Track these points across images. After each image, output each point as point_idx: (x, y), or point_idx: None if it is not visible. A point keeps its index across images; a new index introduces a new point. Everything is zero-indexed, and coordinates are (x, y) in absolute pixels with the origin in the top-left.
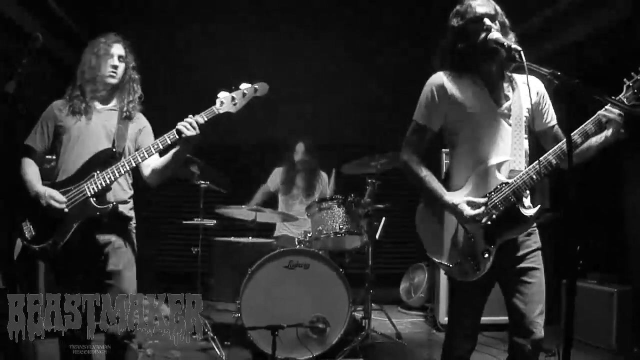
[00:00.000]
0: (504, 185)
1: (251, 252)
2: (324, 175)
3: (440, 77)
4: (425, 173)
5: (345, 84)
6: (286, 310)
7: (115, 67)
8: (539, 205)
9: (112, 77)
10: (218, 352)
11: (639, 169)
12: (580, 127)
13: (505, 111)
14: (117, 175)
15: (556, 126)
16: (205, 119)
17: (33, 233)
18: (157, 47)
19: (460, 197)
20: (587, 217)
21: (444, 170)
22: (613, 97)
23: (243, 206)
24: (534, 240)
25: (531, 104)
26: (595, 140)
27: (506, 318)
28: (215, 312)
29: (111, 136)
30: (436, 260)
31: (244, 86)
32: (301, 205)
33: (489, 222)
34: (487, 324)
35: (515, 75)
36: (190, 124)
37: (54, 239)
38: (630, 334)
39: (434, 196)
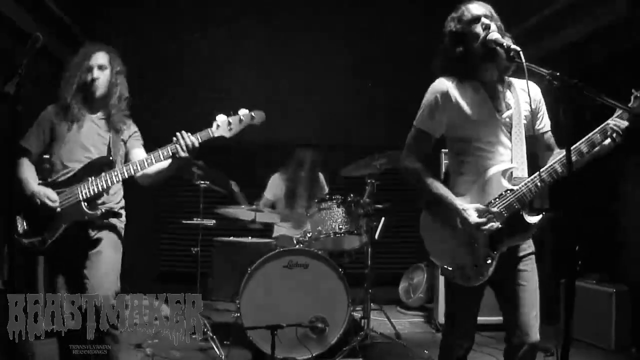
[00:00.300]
0: (508, 192)
1: (251, 252)
2: (321, 176)
3: (444, 84)
4: (431, 180)
5: (346, 84)
6: (285, 310)
7: (95, 78)
8: (543, 213)
9: (96, 87)
10: (218, 352)
11: (636, 169)
12: (587, 136)
13: (507, 119)
14: (109, 183)
15: (549, 133)
16: (200, 141)
17: (25, 228)
18: (157, 47)
19: (467, 203)
20: (585, 217)
21: (443, 170)
22: (612, 100)
23: (243, 206)
24: (529, 244)
25: (530, 110)
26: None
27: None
28: (215, 312)
29: (101, 143)
30: (440, 265)
31: (242, 112)
32: (302, 210)
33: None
34: (485, 323)
35: (514, 80)
36: (187, 145)
37: (43, 236)
38: (629, 333)
39: (444, 202)
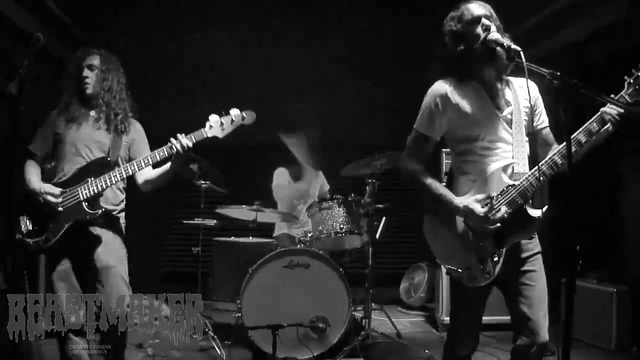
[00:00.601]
0: (510, 187)
1: (251, 252)
2: (320, 173)
3: (443, 87)
4: (430, 180)
5: (346, 84)
6: (286, 310)
7: (84, 77)
8: (545, 206)
9: (86, 87)
10: (218, 352)
11: (637, 169)
12: (584, 125)
13: (508, 116)
14: (109, 183)
15: (547, 128)
16: (194, 141)
17: (29, 228)
18: (157, 47)
19: (468, 199)
20: (585, 217)
21: (444, 170)
22: (612, 96)
23: (243, 206)
24: (535, 244)
25: (529, 106)
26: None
27: (506, 317)
28: (215, 312)
29: (100, 143)
30: (446, 266)
31: (234, 112)
32: (302, 208)
33: (499, 223)
34: (487, 323)
35: (512, 79)
36: (182, 147)
37: (46, 236)
38: (629, 333)
39: (443, 202)
